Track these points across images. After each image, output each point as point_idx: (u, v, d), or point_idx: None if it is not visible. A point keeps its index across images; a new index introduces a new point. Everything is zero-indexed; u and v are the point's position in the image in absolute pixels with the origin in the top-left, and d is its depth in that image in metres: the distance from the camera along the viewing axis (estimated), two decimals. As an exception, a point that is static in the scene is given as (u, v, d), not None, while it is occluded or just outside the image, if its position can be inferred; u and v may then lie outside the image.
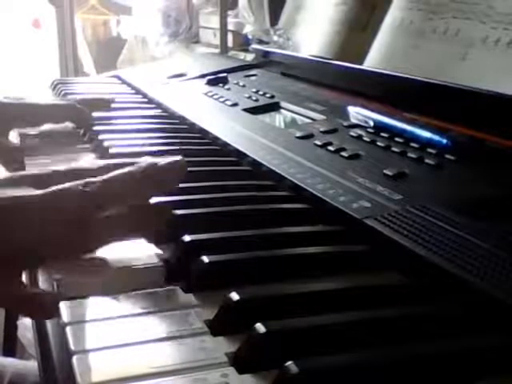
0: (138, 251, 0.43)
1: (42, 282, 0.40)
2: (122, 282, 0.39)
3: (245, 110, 0.80)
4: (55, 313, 0.36)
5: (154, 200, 0.46)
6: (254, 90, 0.88)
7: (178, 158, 0.44)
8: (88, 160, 0.68)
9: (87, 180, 0.41)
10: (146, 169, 0.43)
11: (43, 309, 0.37)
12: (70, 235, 0.40)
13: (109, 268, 0.41)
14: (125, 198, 0.43)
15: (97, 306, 0.37)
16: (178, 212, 0.47)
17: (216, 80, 0.97)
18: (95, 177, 0.41)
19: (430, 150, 0.55)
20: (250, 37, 1.21)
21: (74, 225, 0.40)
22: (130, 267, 0.41)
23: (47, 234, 0.39)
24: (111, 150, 0.64)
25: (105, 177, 0.42)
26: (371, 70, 0.78)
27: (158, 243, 0.44)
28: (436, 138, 0.56)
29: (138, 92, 1.04)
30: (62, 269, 0.39)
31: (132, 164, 0.44)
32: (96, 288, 0.38)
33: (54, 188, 0.40)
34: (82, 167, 0.46)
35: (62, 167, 0.45)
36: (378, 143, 0.59)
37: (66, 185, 0.40)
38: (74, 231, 0.40)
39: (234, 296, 0.34)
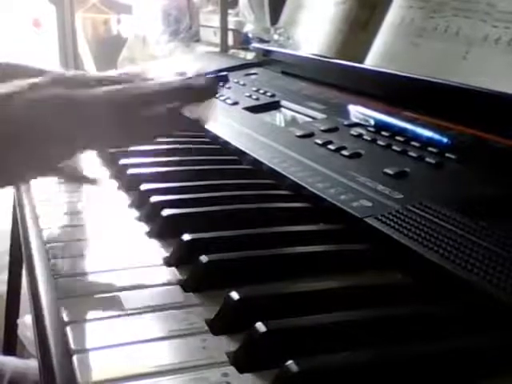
0: (140, 251, 0.43)
1: (42, 282, 0.40)
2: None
3: (245, 108, 0.80)
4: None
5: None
6: (255, 88, 0.88)
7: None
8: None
9: (138, 83, 0.49)
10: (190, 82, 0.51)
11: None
12: (117, 128, 0.46)
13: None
14: (170, 100, 0.50)
15: (97, 305, 0.37)
16: (178, 211, 0.47)
17: (216, 79, 0.97)
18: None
19: (430, 148, 0.55)
20: (250, 35, 1.21)
21: (122, 118, 0.46)
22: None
23: (98, 125, 0.45)
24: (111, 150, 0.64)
25: (156, 81, 0.50)
26: (372, 68, 0.77)
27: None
28: (436, 136, 0.56)
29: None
30: None
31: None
32: None
33: (108, 87, 0.46)
34: (116, 76, 0.53)
35: (100, 74, 0.55)
36: (379, 142, 0.59)
37: (120, 86, 0.47)
38: (121, 124, 0.46)
39: (235, 295, 0.34)
